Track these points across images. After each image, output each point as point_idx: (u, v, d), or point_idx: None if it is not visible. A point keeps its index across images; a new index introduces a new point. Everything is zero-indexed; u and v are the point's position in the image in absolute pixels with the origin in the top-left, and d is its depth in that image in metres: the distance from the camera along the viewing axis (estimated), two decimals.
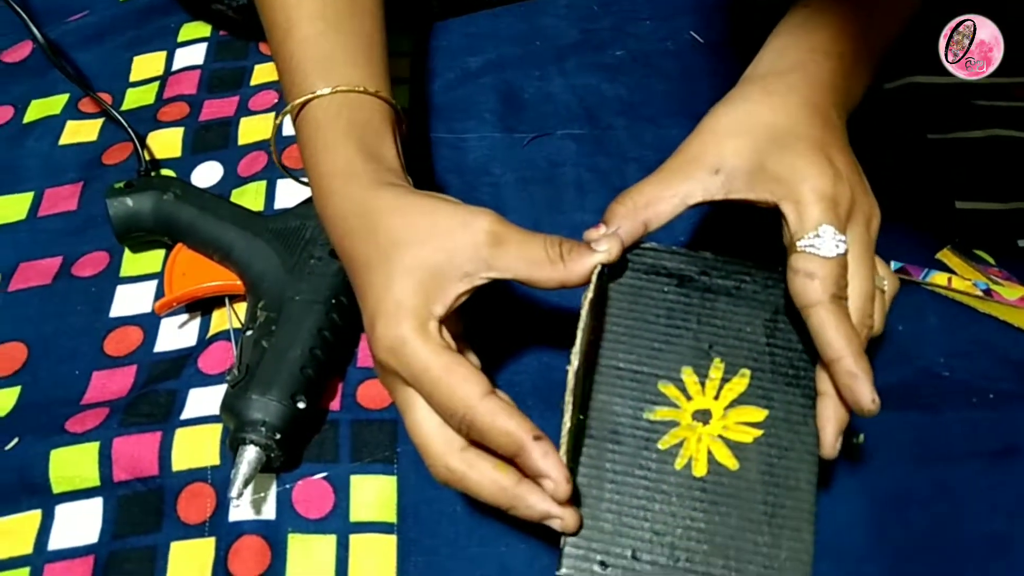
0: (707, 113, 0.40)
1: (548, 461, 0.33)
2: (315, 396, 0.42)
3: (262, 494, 0.41)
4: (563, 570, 0.34)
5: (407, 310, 0.35)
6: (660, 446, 0.36)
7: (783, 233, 0.38)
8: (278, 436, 0.40)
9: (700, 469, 0.36)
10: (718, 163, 0.38)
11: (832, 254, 0.36)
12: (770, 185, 0.38)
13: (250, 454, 0.40)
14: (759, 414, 0.37)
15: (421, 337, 0.35)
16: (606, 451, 0.36)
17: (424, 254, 0.35)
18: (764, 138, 0.38)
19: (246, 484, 0.39)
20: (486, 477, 0.34)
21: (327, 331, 0.43)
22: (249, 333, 0.43)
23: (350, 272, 0.38)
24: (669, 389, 0.38)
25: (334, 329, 0.44)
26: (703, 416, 0.37)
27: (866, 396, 0.35)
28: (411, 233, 0.36)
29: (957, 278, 0.49)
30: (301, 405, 0.41)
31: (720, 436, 0.37)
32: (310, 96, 0.41)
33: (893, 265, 0.49)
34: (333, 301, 0.44)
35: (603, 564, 0.34)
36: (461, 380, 0.34)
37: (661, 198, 0.39)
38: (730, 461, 0.36)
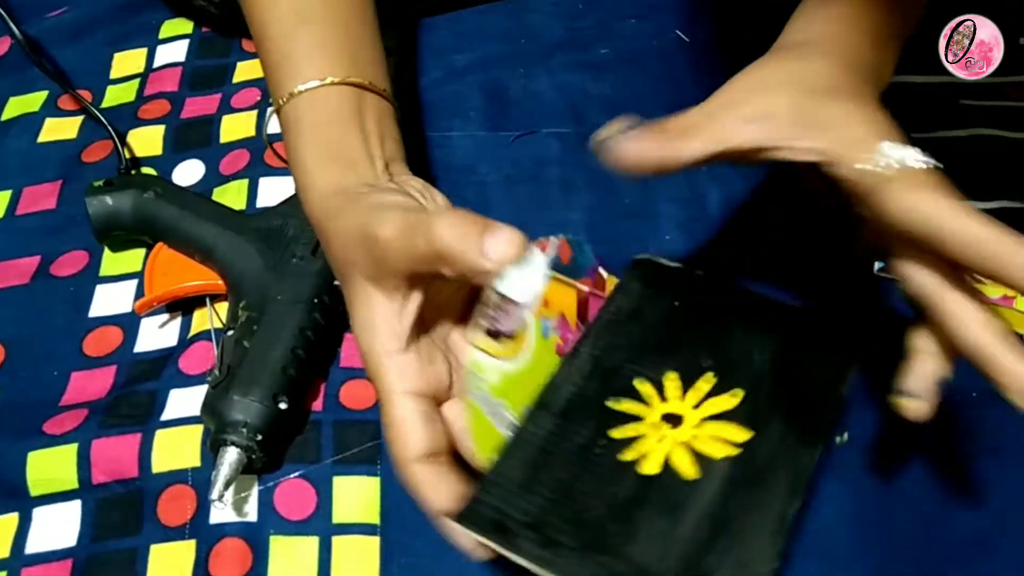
0: (730, 79, 0.36)
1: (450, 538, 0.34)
2: (297, 397, 0.42)
3: (243, 495, 0.41)
4: (458, 524, 0.32)
5: (375, 338, 0.35)
6: (611, 434, 0.35)
7: (842, 188, 0.34)
8: (259, 437, 0.40)
9: (650, 468, 0.34)
10: (752, 114, 0.34)
11: (920, 161, 0.32)
12: (817, 133, 0.34)
13: (231, 455, 0.39)
14: (741, 434, 0.35)
15: (385, 374, 0.35)
16: (550, 423, 0.35)
17: (366, 289, 0.36)
18: (803, 92, 0.35)
19: (227, 486, 0.39)
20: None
21: (309, 331, 0.43)
22: (230, 333, 0.43)
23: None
24: (644, 386, 0.37)
25: (316, 329, 0.43)
26: (673, 420, 0.36)
27: None
28: (350, 259, 0.36)
29: None
30: (283, 406, 0.40)
31: (686, 443, 0.35)
32: (279, 105, 0.40)
33: (876, 265, 0.49)
34: (315, 301, 0.43)
35: (499, 526, 0.32)
36: (397, 436, 0.35)
37: (697, 129, 0.34)
38: (689, 469, 0.34)
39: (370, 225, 0.35)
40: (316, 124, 0.40)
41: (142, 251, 0.50)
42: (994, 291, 0.49)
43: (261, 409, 0.40)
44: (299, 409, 0.43)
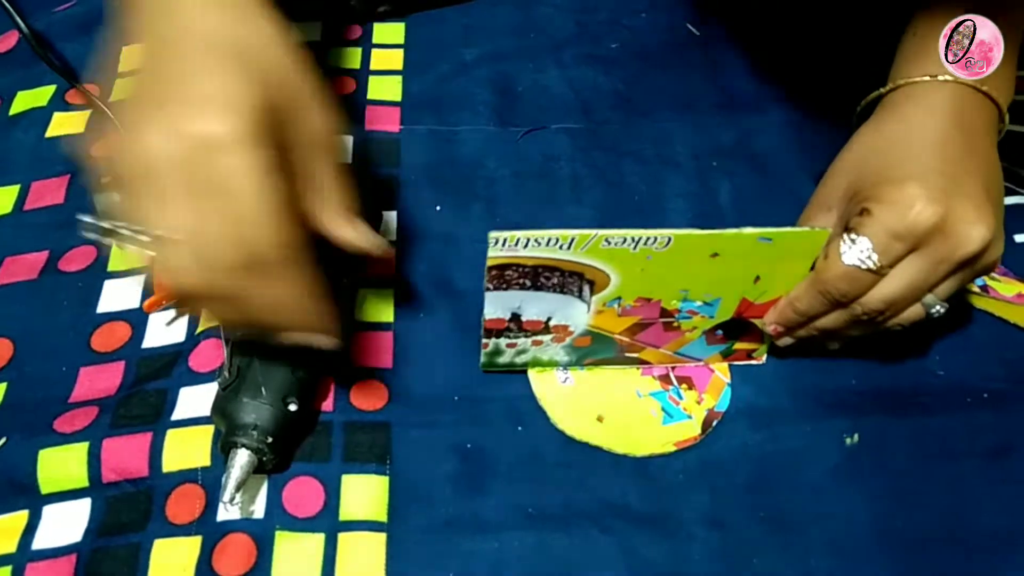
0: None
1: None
2: (307, 398, 0.42)
3: (252, 494, 0.41)
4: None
5: (246, 106, 0.29)
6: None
7: None
8: (270, 439, 0.39)
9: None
10: (829, 201, 0.42)
11: (849, 261, 0.38)
12: (859, 204, 0.39)
13: (242, 458, 0.39)
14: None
15: (253, 148, 0.30)
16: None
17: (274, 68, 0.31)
18: (867, 162, 0.41)
19: (238, 488, 0.39)
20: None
21: None
22: (239, 333, 0.42)
23: (167, 53, 0.32)
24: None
25: None
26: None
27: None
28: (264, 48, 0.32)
29: None
30: (292, 408, 0.40)
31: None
32: None
33: None
34: None
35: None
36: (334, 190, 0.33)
37: None
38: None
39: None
40: None
41: None
42: (1008, 289, 0.48)
43: (271, 411, 0.40)
44: (309, 410, 0.42)
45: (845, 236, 0.39)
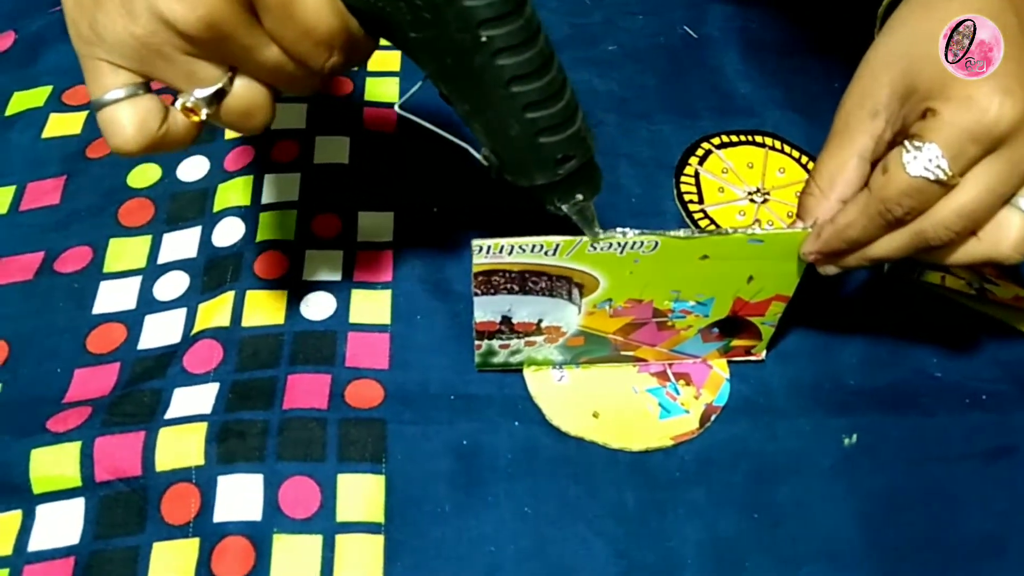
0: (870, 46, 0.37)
1: None
2: None
3: (248, 494, 0.41)
4: None
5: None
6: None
7: None
8: None
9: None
10: (874, 104, 0.36)
11: (916, 172, 0.33)
12: (918, 105, 0.34)
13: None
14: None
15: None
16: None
17: None
18: (919, 55, 0.35)
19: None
20: None
21: None
22: None
23: None
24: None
25: None
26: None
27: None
28: None
29: (951, 276, 0.49)
30: None
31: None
32: None
33: (886, 265, 0.48)
34: None
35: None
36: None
37: (841, 168, 0.37)
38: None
39: None
40: None
41: (147, 248, 0.49)
42: (1005, 292, 0.48)
43: None
44: None
45: (907, 144, 0.34)
